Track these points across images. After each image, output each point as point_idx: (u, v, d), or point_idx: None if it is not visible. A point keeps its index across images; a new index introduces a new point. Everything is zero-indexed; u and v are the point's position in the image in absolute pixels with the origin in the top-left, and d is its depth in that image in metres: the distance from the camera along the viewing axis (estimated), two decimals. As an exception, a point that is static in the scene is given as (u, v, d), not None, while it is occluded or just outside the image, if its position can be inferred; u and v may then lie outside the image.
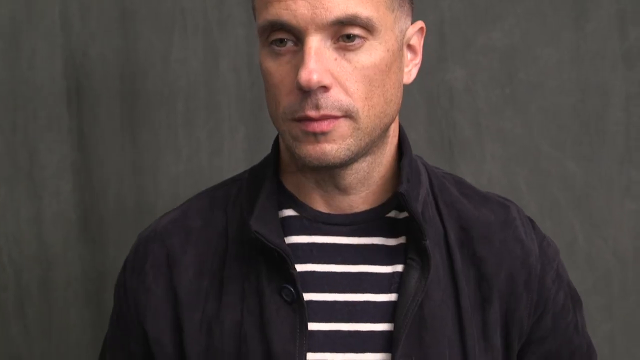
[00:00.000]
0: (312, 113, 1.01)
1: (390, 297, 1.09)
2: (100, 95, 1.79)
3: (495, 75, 1.75)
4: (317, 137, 1.03)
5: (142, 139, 1.80)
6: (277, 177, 1.16)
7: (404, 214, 1.13)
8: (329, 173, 1.10)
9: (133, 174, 1.80)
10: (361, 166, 1.11)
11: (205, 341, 1.11)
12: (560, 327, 1.16)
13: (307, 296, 1.09)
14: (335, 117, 1.02)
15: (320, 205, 1.14)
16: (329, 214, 1.13)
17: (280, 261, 1.09)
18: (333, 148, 1.03)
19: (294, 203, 1.14)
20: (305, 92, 1.01)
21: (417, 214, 1.09)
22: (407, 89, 1.75)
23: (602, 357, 1.77)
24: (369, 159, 1.11)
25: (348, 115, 1.03)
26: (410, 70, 1.13)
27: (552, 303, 1.15)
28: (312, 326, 1.09)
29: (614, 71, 1.74)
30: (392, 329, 1.08)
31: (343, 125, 1.03)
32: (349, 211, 1.14)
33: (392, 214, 1.14)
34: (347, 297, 1.10)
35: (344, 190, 1.12)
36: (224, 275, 1.12)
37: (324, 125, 1.02)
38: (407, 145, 1.15)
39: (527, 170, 1.75)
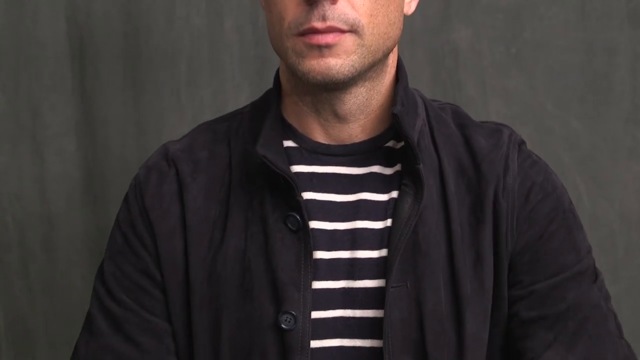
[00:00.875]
0: (318, 24, 1.01)
1: (386, 223, 1.10)
2: (104, 55, 1.79)
3: (500, 35, 1.74)
4: (322, 50, 1.03)
5: (146, 99, 1.79)
6: (279, 109, 1.16)
7: (401, 144, 1.13)
8: (329, 98, 1.10)
9: (136, 133, 1.80)
10: (360, 91, 1.10)
11: (209, 269, 1.10)
12: (548, 240, 1.13)
13: (310, 224, 1.09)
14: (341, 31, 1.02)
15: (319, 136, 1.14)
16: (328, 145, 1.14)
17: (286, 188, 1.09)
18: (337, 63, 1.03)
19: (293, 135, 1.15)
20: (312, 4, 1.01)
21: (411, 137, 1.09)
22: (412, 49, 1.75)
23: (606, 319, 1.76)
24: (367, 84, 1.10)
25: (354, 30, 1.03)
26: (411, 1, 1.14)
27: (537, 219, 1.12)
28: (316, 254, 1.09)
29: (619, 30, 1.73)
30: (387, 254, 1.08)
31: (348, 41, 1.03)
32: (347, 142, 1.14)
33: (389, 144, 1.14)
34: (346, 226, 1.10)
35: (343, 118, 1.12)
36: (229, 205, 1.11)
37: (329, 38, 1.02)
38: (404, 75, 1.15)
39: (532, 130, 1.75)
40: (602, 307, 1.11)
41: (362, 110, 1.12)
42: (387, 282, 1.06)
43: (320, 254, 1.09)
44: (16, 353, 1.82)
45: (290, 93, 1.14)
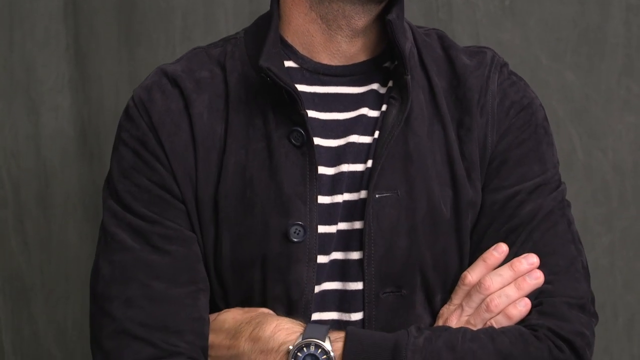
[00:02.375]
0: None
1: (375, 135, 1.12)
2: (98, 10, 1.79)
3: (494, -13, 1.74)
4: None
5: (140, 54, 1.79)
6: (279, 30, 1.16)
7: (396, 64, 1.15)
8: (357, 10, 1.11)
9: (131, 89, 1.78)
10: (379, 8, 1.13)
11: (214, 185, 1.11)
12: (517, 148, 1.15)
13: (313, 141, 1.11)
14: None
15: (322, 56, 1.15)
16: (329, 66, 1.15)
17: (289, 104, 1.10)
18: None
19: (294, 55, 1.16)
20: None
21: (402, 44, 1.11)
22: (406, 2, 1.74)
23: (602, 270, 1.77)
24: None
25: None
26: None
27: (511, 131, 1.15)
28: (320, 170, 1.11)
29: (613, -19, 1.73)
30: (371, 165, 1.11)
31: None
32: (349, 62, 1.15)
33: (387, 64, 1.17)
34: (347, 141, 1.12)
35: (355, 33, 1.13)
36: (230, 122, 1.12)
37: None
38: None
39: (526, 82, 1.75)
40: (555, 214, 1.13)
41: (371, 28, 1.14)
42: (368, 192, 1.08)
43: (322, 170, 1.11)
44: (13, 308, 1.83)
45: (296, 15, 1.15)
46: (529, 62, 1.74)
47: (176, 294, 1.07)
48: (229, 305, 1.12)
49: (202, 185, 1.10)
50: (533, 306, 1.09)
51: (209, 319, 1.10)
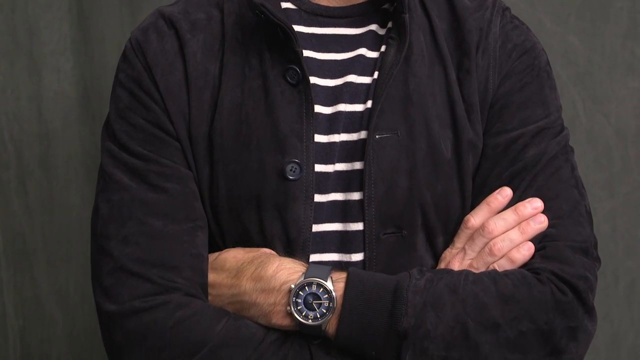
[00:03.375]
0: None
1: (375, 76, 1.12)
2: (100, -28, 1.79)
3: (498, -50, 1.73)
4: None
5: (142, 16, 1.77)
6: None
7: (395, 6, 1.14)
8: None
9: (133, 51, 1.79)
10: None
11: (208, 123, 1.11)
12: (520, 91, 1.14)
13: (310, 80, 1.10)
14: None
15: None
16: (327, 7, 1.15)
17: (285, 42, 1.09)
18: None
19: None
20: None
21: None
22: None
23: (603, 235, 1.77)
24: None
25: None
26: None
27: (514, 74, 1.14)
28: (317, 109, 1.10)
29: (619, -55, 1.72)
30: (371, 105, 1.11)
31: None
32: (347, 3, 1.15)
33: (386, 6, 1.16)
34: (344, 81, 1.12)
35: None
36: (225, 62, 1.12)
37: None
38: None
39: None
40: (558, 159, 1.12)
41: None
42: (368, 133, 1.08)
43: (319, 109, 1.10)
44: (15, 270, 1.83)
45: None
46: (532, 26, 1.71)
47: (173, 231, 1.07)
48: (226, 244, 1.11)
49: (196, 123, 1.11)
50: (536, 250, 1.08)
51: (207, 256, 1.10)
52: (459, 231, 1.11)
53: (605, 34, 1.74)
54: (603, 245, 1.77)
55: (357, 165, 1.09)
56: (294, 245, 1.08)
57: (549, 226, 1.08)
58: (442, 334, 1.00)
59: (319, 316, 1.03)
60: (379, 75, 1.11)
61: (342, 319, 1.02)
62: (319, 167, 1.09)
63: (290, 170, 1.07)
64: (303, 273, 1.04)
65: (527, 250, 1.08)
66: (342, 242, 1.10)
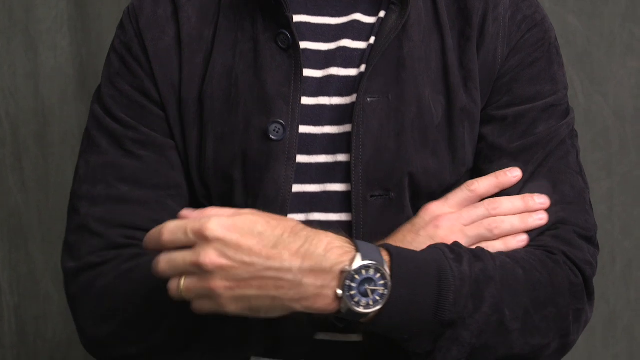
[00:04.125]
0: None
1: (371, 41, 1.12)
2: (97, -52, 1.78)
3: None
4: None
5: (140, -7, 1.78)
6: None
7: None
8: None
9: (130, 28, 1.78)
10: None
11: (199, 86, 1.12)
12: (530, 66, 1.14)
13: (301, 45, 1.11)
14: None
15: None
16: None
17: (276, 7, 1.10)
18: None
19: None
20: None
21: None
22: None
23: (600, 215, 1.76)
24: None
25: None
26: None
27: (524, 47, 1.14)
28: (306, 72, 1.11)
29: None
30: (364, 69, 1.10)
31: None
32: None
33: None
34: (338, 45, 1.12)
35: None
36: (219, 26, 1.13)
37: None
38: None
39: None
40: (567, 143, 1.12)
41: None
42: (358, 95, 1.08)
43: (310, 72, 1.11)
44: (10, 247, 1.83)
45: None
46: (531, 6, 1.73)
47: (139, 196, 1.09)
48: (212, 204, 1.10)
49: (186, 86, 1.12)
50: (546, 229, 1.08)
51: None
52: (458, 191, 1.10)
53: (604, 14, 1.74)
54: (600, 226, 1.74)
55: (346, 128, 1.09)
56: (273, 204, 1.08)
57: (559, 210, 1.08)
58: (478, 322, 0.98)
59: (371, 303, 0.93)
60: (376, 40, 1.10)
61: (387, 307, 0.95)
62: (304, 129, 1.09)
63: (274, 130, 1.08)
64: (356, 254, 0.94)
65: (523, 241, 1.07)
66: (327, 202, 1.09)
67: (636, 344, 1.84)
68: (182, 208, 1.03)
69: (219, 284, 0.91)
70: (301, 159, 1.09)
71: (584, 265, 1.06)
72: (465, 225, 1.07)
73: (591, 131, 1.76)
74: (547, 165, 1.11)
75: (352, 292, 0.92)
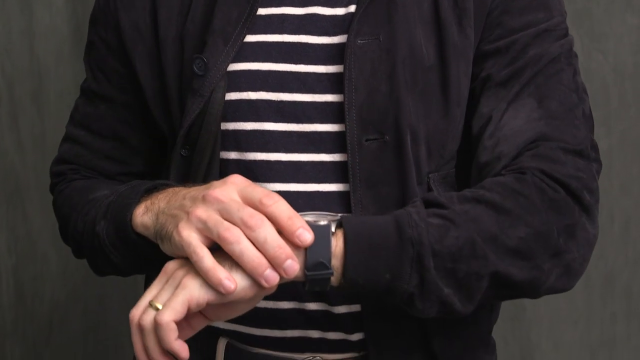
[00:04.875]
0: None
1: None
2: None
3: None
4: None
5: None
6: None
7: None
8: None
9: (126, -14, 1.77)
10: None
11: (179, 27, 1.12)
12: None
13: None
14: None
15: None
16: None
17: None
18: None
19: None
20: None
21: None
22: None
23: (598, 173, 1.77)
24: None
25: None
26: None
27: None
28: (260, 11, 1.10)
29: None
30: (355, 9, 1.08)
31: None
32: None
33: None
34: None
35: None
36: None
37: None
38: None
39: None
40: (561, 61, 1.09)
41: None
42: (349, 36, 1.06)
43: (289, 10, 1.10)
44: (8, 207, 1.82)
45: None
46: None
47: (88, 141, 1.23)
48: (172, 132, 1.15)
49: (164, 28, 1.13)
50: (527, 150, 1.04)
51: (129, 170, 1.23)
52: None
53: (604, -30, 1.73)
54: (598, 184, 1.77)
55: (335, 69, 1.07)
56: (188, 138, 1.09)
57: (543, 125, 1.05)
58: (447, 247, 0.96)
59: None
60: None
61: (348, 257, 0.94)
62: (244, 65, 1.08)
63: (198, 65, 1.08)
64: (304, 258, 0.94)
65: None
66: (319, 143, 1.08)
67: (634, 302, 1.85)
68: (124, 158, 1.22)
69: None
70: (234, 95, 1.08)
71: (567, 179, 1.01)
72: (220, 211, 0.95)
73: (590, 88, 1.74)
74: (535, 83, 1.07)
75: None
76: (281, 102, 1.08)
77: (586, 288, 1.85)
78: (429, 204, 1.00)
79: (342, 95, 1.06)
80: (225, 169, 1.09)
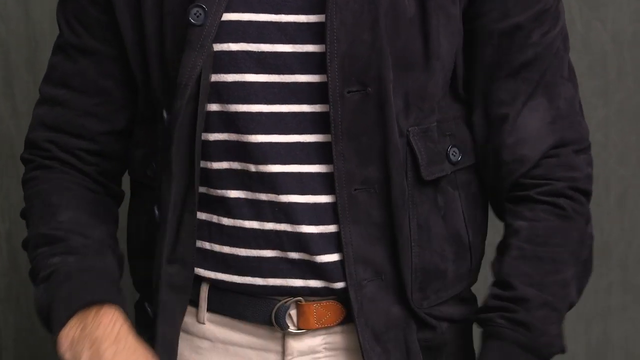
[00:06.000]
0: None
1: None
2: None
3: None
4: None
5: None
6: None
7: None
8: None
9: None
10: None
11: None
12: None
13: None
14: None
15: None
16: None
17: None
18: None
19: None
20: None
21: None
22: None
23: (595, 143, 1.74)
24: None
25: None
26: None
27: None
28: None
29: None
30: None
31: None
32: None
33: None
34: None
35: None
36: None
37: None
38: None
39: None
40: (560, 50, 1.13)
41: None
42: (326, 17, 1.04)
43: None
44: (2, 174, 1.82)
45: None
46: None
47: (69, 100, 1.18)
48: (154, 91, 1.13)
49: None
50: (547, 156, 1.12)
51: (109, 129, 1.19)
52: None
53: (603, -62, 1.72)
54: (595, 154, 1.75)
55: (315, 18, 1.06)
56: (182, 92, 1.06)
57: (557, 129, 1.12)
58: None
59: None
60: None
61: None
62: (232, 16, 1.07)
63: (195, 15, 1.05)
64: None
65: None
66: (300, 93, 1.07)
67: (630, 273, 1.84)
68: (107, 115, 1.18)
69: None
70: (222, 47, 1.07)
71: (586, 186, 1.13)
72: None
73: (588, 57, 1.74)
74: (544, 82, 1.12)
75: None
76: (262, 53, 1.07)
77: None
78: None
79: (323, 45, 1.05)
80: (208, 121, 1.08)
